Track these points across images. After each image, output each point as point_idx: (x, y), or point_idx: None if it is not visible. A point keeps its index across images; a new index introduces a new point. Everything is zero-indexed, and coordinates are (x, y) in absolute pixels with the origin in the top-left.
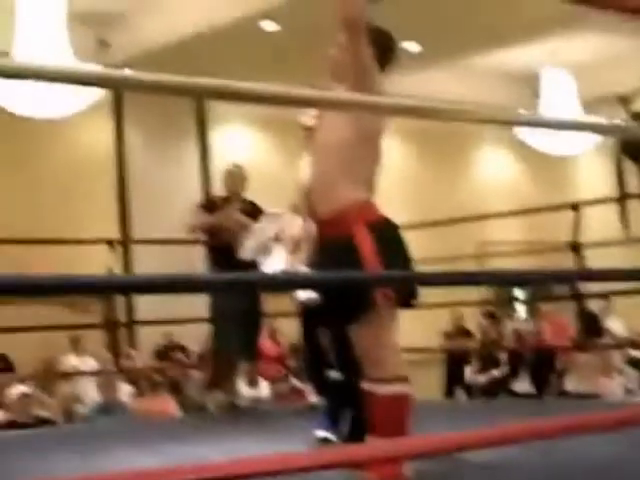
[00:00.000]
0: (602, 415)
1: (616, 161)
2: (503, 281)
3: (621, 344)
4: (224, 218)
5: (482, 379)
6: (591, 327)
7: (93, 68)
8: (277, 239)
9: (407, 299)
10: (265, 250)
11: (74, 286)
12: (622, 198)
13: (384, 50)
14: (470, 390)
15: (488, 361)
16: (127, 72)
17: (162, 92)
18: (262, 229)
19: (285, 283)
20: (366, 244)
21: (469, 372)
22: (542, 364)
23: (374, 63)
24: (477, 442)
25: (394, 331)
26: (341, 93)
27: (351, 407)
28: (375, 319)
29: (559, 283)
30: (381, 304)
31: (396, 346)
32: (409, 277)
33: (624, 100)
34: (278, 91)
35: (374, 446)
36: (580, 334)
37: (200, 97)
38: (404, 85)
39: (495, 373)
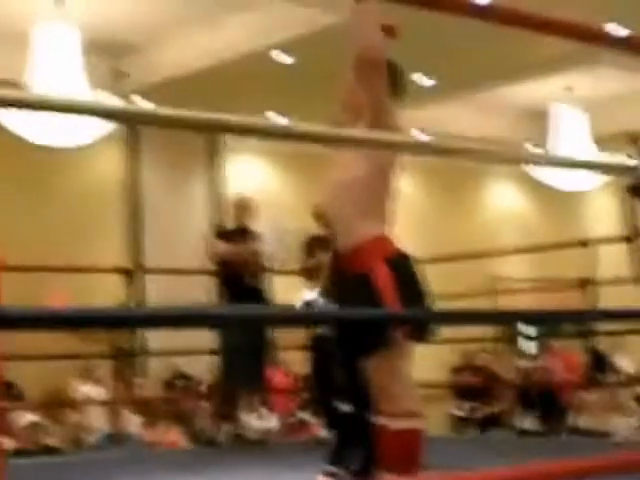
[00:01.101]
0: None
1: (626, 200)
2: (519, 319)
3: (630, 381)
4: (244, 251)
5: (478, 414)
6: (599, 365)
7: (109, 103)
8: (285, 238)
9: (422, 334)
10: (282, 241)
11: (89, 320)
12: (632, 238)
13: (396, 84)
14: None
15: (486, 396)
16: (142, 107)
17: (177, 127)
18: (274, 226)
19: (300, 319)
20: (383, 280)
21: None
22: (549, 401)
23: (388, 98)
24: None
25: (408, 366)
26: (357, 131)
27: (362, 443)
28: (390, 354)
29: (575, 322)
30: (398, 340)
31: (409, 381)
32: (427, 315)
33: (634, 138)
34: (292, 128)
35: None
36: (589, 371)
37: (214, 132)
38: (417, 119)
39: (489, 409)
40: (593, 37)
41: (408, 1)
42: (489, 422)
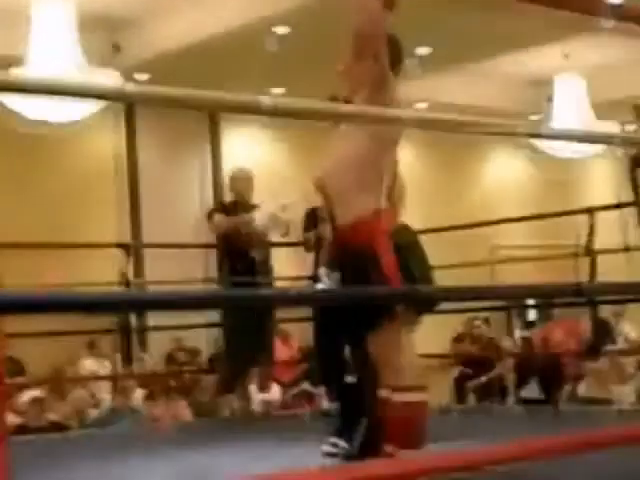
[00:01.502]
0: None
1: (630, 172)
2: (520, 295)
3: (634, 350)
4: (243, 223)
5: (475, 383)
6: (603, 333)
7: (104, 83)
8: (284, 210)
9: (425, 307)
10: (276, 221)
11: (89, 304)
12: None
13: (394, 57)
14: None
15: (482, 366)
16: (140, 87)
17: (175, 105)
18: (269, 203)
19: (303, 299)
20: (386, 253)
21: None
22: (550, 370)
23: (389, 70)
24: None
25: (412, 339)
26: (359, 107)
27: (366, 414)
28: (393, 328)
29: (577, 297)
30: (401, 314)
31: (413, 354)
32: (429, 292)
33: (638, 111)
34: (293, 104)
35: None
36: (592, 340)
37: (212, 110)
38: (416, 89)
39: (483, 379)
40: (588, 7)
41: None
42: (488, 391)
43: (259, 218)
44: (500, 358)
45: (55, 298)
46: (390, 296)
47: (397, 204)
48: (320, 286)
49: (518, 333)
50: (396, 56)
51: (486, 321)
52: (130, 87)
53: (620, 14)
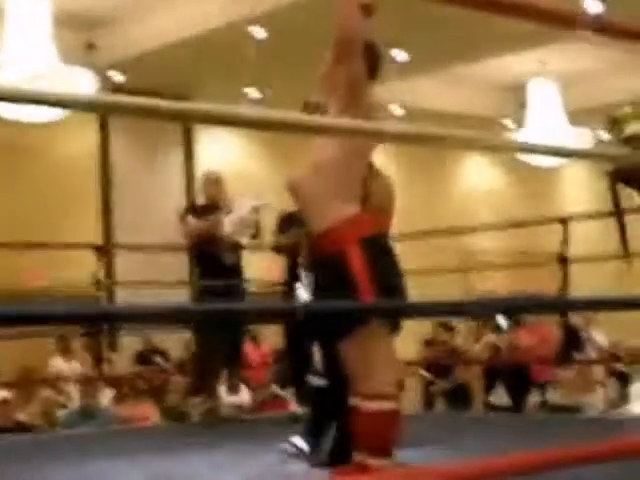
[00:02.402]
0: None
1: (610, 187)
2: (491, 310)
3: (603, 358)
4: (213, 226)
5: (434, 389)
6: (573, 341)
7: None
8: (256, 212)
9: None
10: (246, 224)
11: (60, 317)
12: (621, 224)
13: (372, 63)
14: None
15: (445, 371)
16: (115, 97)
17: (149, 117)
18: (240, 206)
19: (274, 312)
20: (357, 261)
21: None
22: (518, 376)
23: (365, 76)
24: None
25: (385, 348)
26: (331, 120)
27: (336, 420)
28: (363, 337)
29: (548, 312)
30: (371, 324)
31: (387, 362)
32: (399, 307)
33: (614, 123)
34: (267, 116)
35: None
36: (562, 348)
37: (186, 122)
38: (392, 93)
39: (444, 384)
40: (563, 20)
41: None
42: (455, 397)
43: (229, 221)
44: (462, 364)
45: (26, 312)
46: (356, 310)
47: (384, 209)
48: (300, 290)
49: (486, 338)
50: (375, 62)
51: (447, 327)
52: (102, 97)
53: (599, 27)
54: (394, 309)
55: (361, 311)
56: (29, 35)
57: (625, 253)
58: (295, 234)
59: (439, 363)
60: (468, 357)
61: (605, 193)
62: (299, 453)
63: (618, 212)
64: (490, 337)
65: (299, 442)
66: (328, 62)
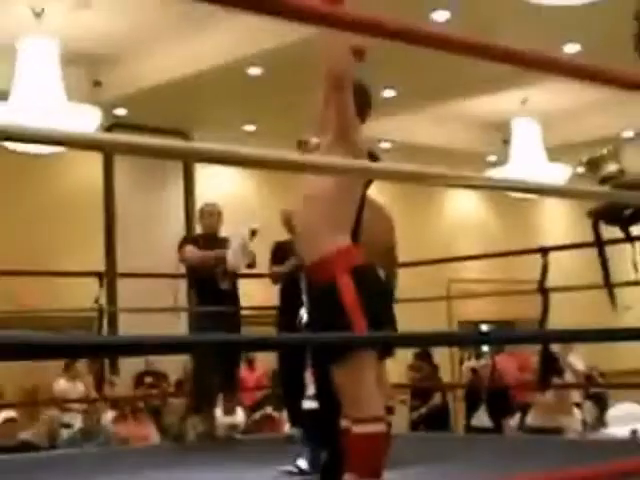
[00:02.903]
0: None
1: (593, 226)
2: (477, 341)
3: (580, 382)
4: (213, 256)
5: (414, 415)
6: (551, 367)
7: (84, 132)
8: (254, 234)
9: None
10: (245, 251)
11: (65, 347)
12: (604, 262)
13: (362, 103)
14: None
15: (421, 397)
16: (117, 136)
17: (149, 155)
18: (235, 237)
19: (269, 343)
20: (348, 290)
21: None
22: (498, 400)
23: (355, 115)
24: None
25: (375, 374)
26: (322, 158)
27: (327, 442)
28: (354, 363)
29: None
30: (361, 351)
31: (376, 387)
32: (388, 338)
33: (593, 165)
34: (264, 155)
35: None
36: (541, 373)
37: (186, 160)
38: (381, 128)
39: (423, 410)
40: (543, 65)
41: (370, 32)
42: (435, 421)
43: (231, 253)
44: (440, 389)
45: (31, 341)
46: (347, 341)
47: (378, 240)
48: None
49: (466, 363)
50: (364, 102)
51: (425, 354)
52: (104, 136)
53: (574, 71)
54: (383, 339)
55: (349, 341)
56: (39, 73)
57: (609, 291)
58: (292, 264)
59: (420, 387)
60: (447, 382)
61: (583, 225)
62: (301, 473)
63: (601, 250)
64: (471, 362)
65: (302, 464)
66: (324, 99)
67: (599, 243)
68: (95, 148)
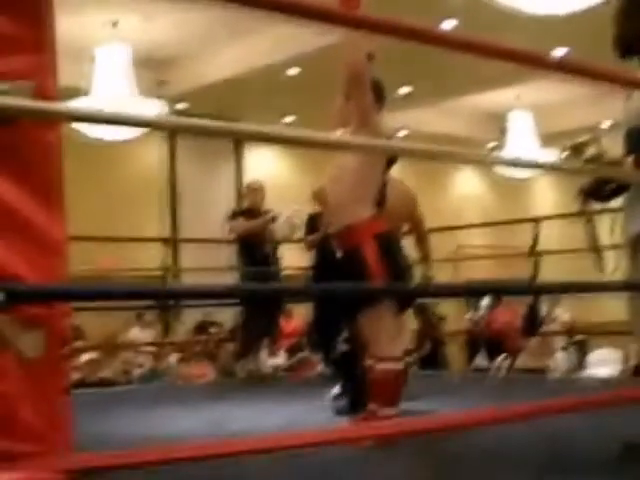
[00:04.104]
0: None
1: (582, 204)
2: (475, 292)
3: (564, 330)
4: (257, 225)
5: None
6: (533, 318)
7: (151, 114)
8: (297, 213)
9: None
10: (292, 225)
11: (133, 294)
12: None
13: (378, 96)
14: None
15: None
16: (179, 119)
17: (206, 135)
18: (282, 214)
19: (305, 292)
20: (371, 253)
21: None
22: (494, 345)
23: (373, 106)
24: (475, 421)
25: (393, 322)
26: (352, 137)
27: (355, 377)
28: (376, 311)
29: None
30: (382, 301)
31: (394, 333)
32: (405, 289)
33: (576, 149)
34: (300, 135)
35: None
36: (525, 323)
37: (236, 139)
38: (398, 120)
39: (414, 356)
40: (533, 62)
41: (384, 32)
42: (424, 364)
43: (278, 225)
44: (432, 339)
45: (107, 290)
46: (372, 292)
47: (397, 211)
48: None
49: (467, 315)
50: (379, 96)
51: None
52: (169, 118)
53: (561, 66)
54: (399, 291)
55: (372, 292)
56: (114, 74)
57: (597, 257)
58: (320, 234)
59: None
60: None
61: (568, 201)
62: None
63: (590, 226)
64: (472, 314)
65: (337, 391)
66: (341, 100)
67: (587, 218)
68: (162, 128)
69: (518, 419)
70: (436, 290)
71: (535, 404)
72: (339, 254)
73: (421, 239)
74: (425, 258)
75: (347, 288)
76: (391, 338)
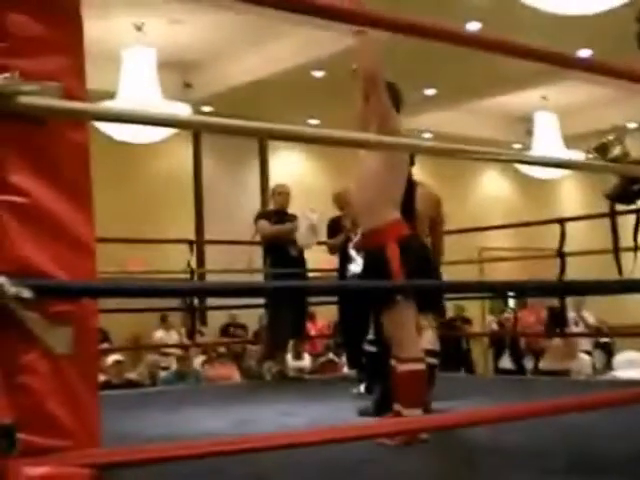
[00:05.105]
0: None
1: (610, 209)
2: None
3: (590, 332)
4: (285, 230)
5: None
6: (556, 319)
7: (178, 114)
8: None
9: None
10: (313, 232)
11: (160, 291)
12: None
13: (394, 97)
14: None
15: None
16: (204, 118)
17: (231, 133)
18: (304, 219)
19: (329, 289)
20: (394, 255)
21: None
22: (517, 346)
23: (391, 107)
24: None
25: (413, 322)
26: (374, 136)
27: (381, 378)
28: (396, 311)
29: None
30: (402, 302)
31: (415, 333)
32: (423, 286)
33: (601, 150)
34: (324, 133)
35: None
36: (547, 324)
37: (261, 137)
38: (424, 121)
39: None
40: (561, 61)
41: (408, 31)
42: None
43: (301, 236)
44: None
45: (135, 286)
46: (390, 288)
47: (422, 214)
48: (351, 266)
49: (488, 318)
50: (395, 97)
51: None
52: (195, 117)
53: (587, 67)
54: (421, 288)
55: (391, 290)
56: (140, 77)
57: (617, 258)
58: (341, 239)
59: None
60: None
61: (594, 202)
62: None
63: (614, 226)
64: (492, 317)
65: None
66: (360, 104)
67: (613, 220)
68: (189, 128)
69: (543, 415)
70: (455, 288)
71: (559, 401)
72: (363, 255)
73: (436, 240)
74: (436, 258)
75: (369, 286)
76: (410, 338)
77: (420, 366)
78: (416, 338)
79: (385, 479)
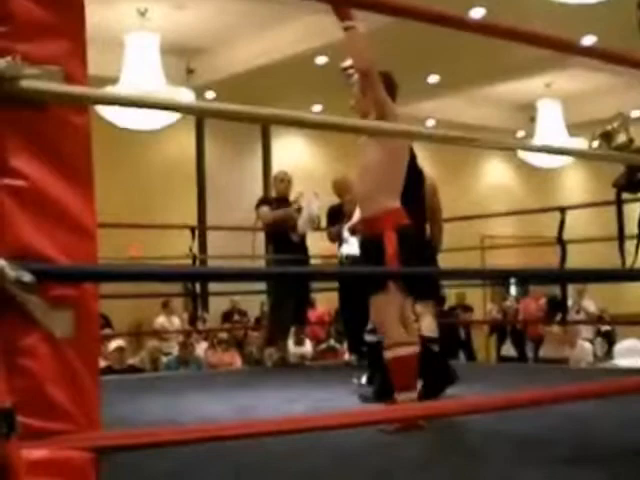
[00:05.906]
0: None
1: (617, 198)
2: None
3: (591, 320)
4: (286, 215)
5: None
6: (554, 307)
7: (181, 99)
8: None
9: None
10: (313, 221)
11: (161, 275)
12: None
13: (389, 85)
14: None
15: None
16: (208, 103)
17: (234, 119)
18: (307, 207)
19: (328, 274)
20: (391, 243)
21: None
22: (519, 333)
23: (387, 95)
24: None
25: (399, 307)
26: (378, 122)
27: (381, 367)
28: (381, 299)
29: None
30: (390, 288)
31: (399, 318)
32: (416, 272)
33: (606, 136)
34: (327, 119)
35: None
36: (547, 312)
37: (264, 123)
38: (426, 109)
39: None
40: (566, 47)
41: (411, 16)
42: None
43: (301, 222)
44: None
45: (137, 270)
46: (387, 275)
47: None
48: (345, 246)
49: (489, 306)
50: (390, 85)
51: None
52: (196, 103)
53: (590, 53)
54: (406, 274)
55: (382, 276)
56: (143, 63)
57: (620, 248)
58: (339, 227)
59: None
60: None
61: (595, 190)
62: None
63: (620, 214)
64: (499, 304)
65: (363, 380)
66: (356, 95)
67: (619, 209)
68: (192, 113)
69: (545, 403)
70: (450, 275)
71: (561, 389)
72: (360, 243)
73: (434, 226)
74: (434, 244)
75: (364, 272)
76: (392, 323)
77: (404, 350)
78: (396, 321)
79: (386, 465)
